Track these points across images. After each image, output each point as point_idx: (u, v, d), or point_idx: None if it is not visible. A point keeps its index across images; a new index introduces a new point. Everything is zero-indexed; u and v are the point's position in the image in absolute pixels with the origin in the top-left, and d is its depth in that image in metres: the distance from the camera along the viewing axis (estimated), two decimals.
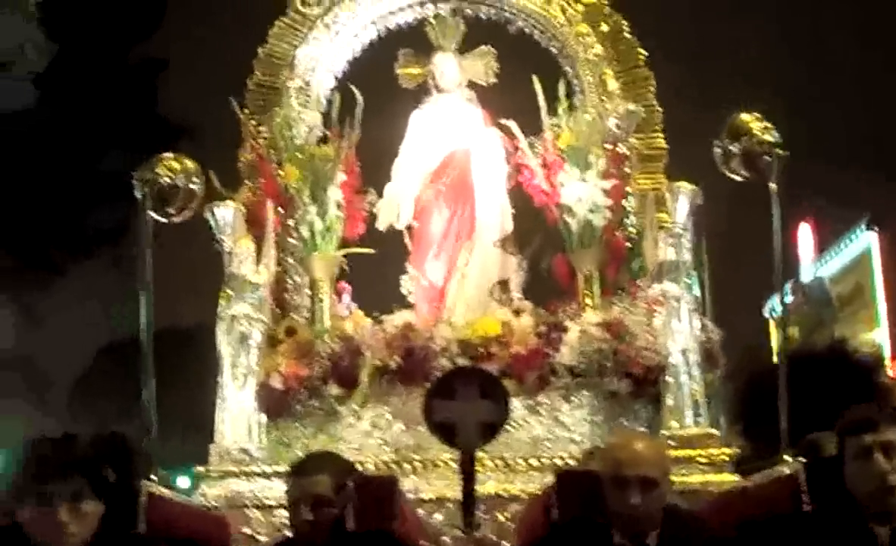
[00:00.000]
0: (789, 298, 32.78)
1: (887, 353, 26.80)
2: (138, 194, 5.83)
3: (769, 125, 5.82)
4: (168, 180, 5.96)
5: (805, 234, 32.70)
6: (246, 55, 8.64)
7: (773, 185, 5.67)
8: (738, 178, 6.12)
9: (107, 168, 17.36)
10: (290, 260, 8.18)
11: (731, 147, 5.90)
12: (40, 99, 17.16)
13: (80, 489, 3.72)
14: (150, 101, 19.09)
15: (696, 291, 7.40)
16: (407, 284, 8.32)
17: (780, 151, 5.69)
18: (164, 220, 6.05)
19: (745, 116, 5.92)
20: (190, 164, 6.08)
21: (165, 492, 5.19)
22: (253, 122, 8.22)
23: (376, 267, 8.58)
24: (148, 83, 19.40)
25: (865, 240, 29.65)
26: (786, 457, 5.16)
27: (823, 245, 32.31)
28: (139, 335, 5.91)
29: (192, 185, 6.05)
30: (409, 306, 8.11)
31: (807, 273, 32.32)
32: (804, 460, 4.72)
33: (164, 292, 6.33)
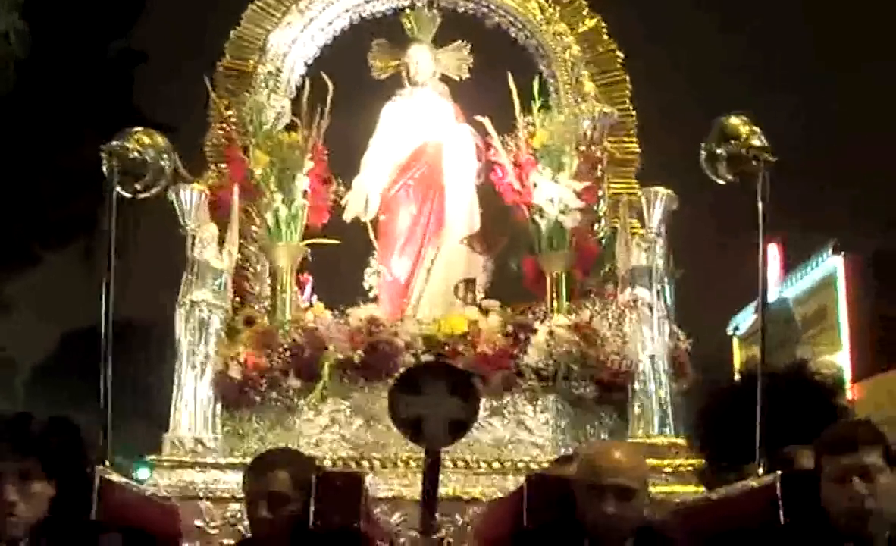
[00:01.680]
0: (754, 317, 33.16)
1: (848, 376, 27.10)
2: (105, 167, 5.60)
3: (757, 130, 5.69)
4: (137, 154, 5.72)
5: (771, 255, 32.99)
6: (219, 48, 8.46)
7: (760, 190, 5.55)
8: (723, 182, 6.01)
9: (83, 158, 17.25)
10: (252, 248, 8.00)
11: (718, 150, 5.76)
12: (18, 86, 16.98)
13: (30, 468, 3.62)
14: (126, 94, 18.95)
15: (668, 298, 7.29)
16: (370, 278, 8.16)
17: (769, 157, 5.57)
18: (130, 195, 5.82)
19: (734, 119, 5.78)
20: (160, 139, 5.84)
21: (119, 479, 5.01)
22: (223, 105, 8.03)
23: (338, 259, 8.43)
24: (125, 75, 19.27)
25: (831, 264, 29.92)
26: (761, 469, 5.05)
27: (790, 266, 32.64)
28: (102, 312, 5.70)
29: (161, 162, 5.82)
30: (370, 300, 7.96)
31: (772, 293, 32.60)
32: (781, 472, 4.60)
33: (131, 280, 6.13)
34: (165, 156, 6.12)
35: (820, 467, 3.97)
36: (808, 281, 31.06)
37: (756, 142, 5.90)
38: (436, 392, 4.50)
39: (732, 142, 5.94)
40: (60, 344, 23.63)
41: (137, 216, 5.99)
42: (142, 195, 6.09)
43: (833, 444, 3.95)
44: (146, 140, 5.97)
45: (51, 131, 17.55)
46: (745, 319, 33.45)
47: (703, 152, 6.17)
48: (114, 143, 5.88)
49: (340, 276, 8.67)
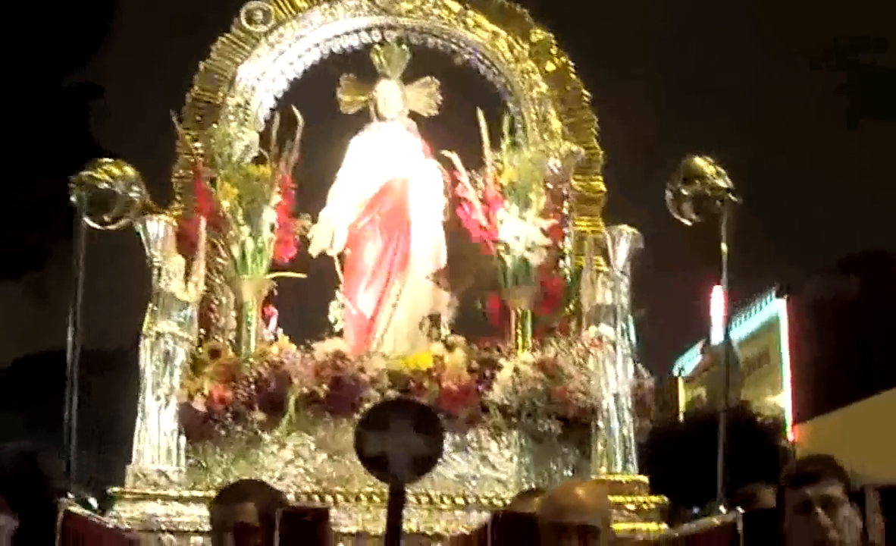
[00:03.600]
0: (699, 359, 33.40)
1: (789, 417, 27.33)
2: (74, 198, 5.58)
3: (721, 170, 5.76)
4: (107, 185, 5.72)
5: (717, 297, 33.35)
6: (183, 81, 8.46)
7: (723, 230, 5.62)
8: (687, 222, 6.07)
9: (36, 191, 17.21)
10: (218, 280, 7.97)
11: (683, 190, 5.83)
12: None
13: None
14: (82, 128, 18.88)
15: (632, 336, 7.32)
16: (335, 312, 8.16)
17: (733, 197, 5.64)
18: (98, 226, 5.82)
19: (698, 160, 5.87)
20: (130, 170, 5.86)
21: (83, 512, 4.99)
22: (189, 137, 8.03)
23: (303, 292, 8.42)
24: (81, 108, 19.20)
25: (774, 307, 30.14)
26: (722, 508, 5.08)
27: (734, 309, 32.99)
28: (66, 349, 5.69)
29: (131, 193, 5.81)
30: (334, 334, 7.95)
31: (717, 335, 32.90)
32: (742, 511, 4.64)
33: (90, 309, 6.11)
34: (135, 187, 6.12)
35: (783, 501, 4.01)
36: (752, 324, 31.32)
37: (721, 183, 5.98)
38: (401, 428, 4.49)
39: (697, 182, 6.01)
40: (9, 374, 23.45)
41: (98, 246, 5.93)
42: (111, 226, 6.09)
43: (797, 477, 3.99)
44: (116, 171, 5.97)
45: (4, 164, 17.49)
46: (690, 361, 33.69)
47: (668, 192, 6.23)
48: (83, 173, 5.88)
49: (305, 310, 8.65)
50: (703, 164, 6.02)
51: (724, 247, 5.84)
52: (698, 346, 33.99)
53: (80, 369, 5.78)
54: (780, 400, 27.58)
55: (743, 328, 32.09)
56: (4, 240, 17.69)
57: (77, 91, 19.21)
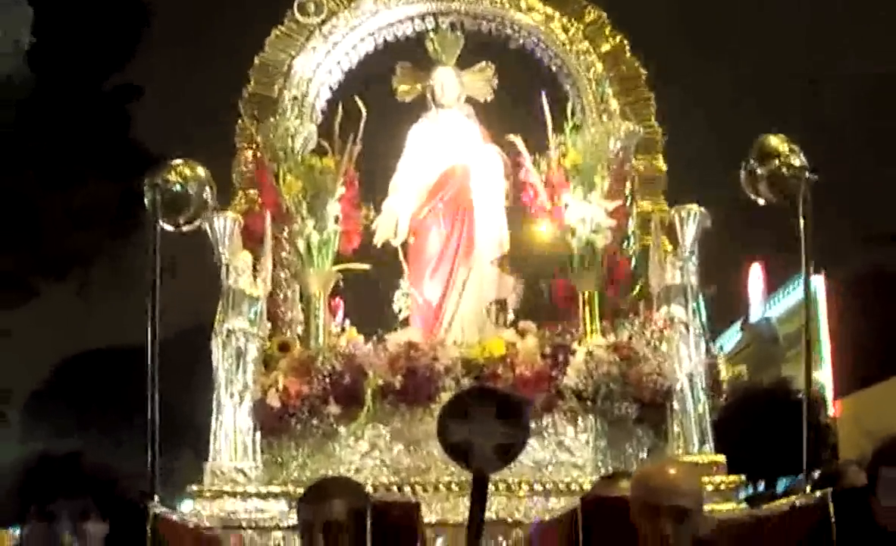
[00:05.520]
0: (739, 336, 33.30)
1: (830, 393, 27.23)
2: (147, 200, 5.54)
3: (797, 148, 5.69)
4: (179, 187, 5.67)
5: (755, 275, 33.21)
6: (230, 76, 8.43)
7: (801, 208, 5.54)
8: (762, 202, 6.00)
9: (81, 194, 17.37)
10: (283, 274, 7.96)
11: (758, 169, 5.75)
12: (18, 123, 17.05)
13: (86, 508, 3.58)
14: (123, 129, 19.03)
15: (703, 316, 7.29)
16: (399, 302, 8.14)
17: (809, 175, 5.57)
18: (172, 228, 5.77)
19: (773, 139, 5.78)
20: (201, 171, 5.78)
21: (170, 514, 4.98)
22: (249, 132, 8.03)
23: (368, 283, 8.41)
24: (122, 111, 19.36)
25: (812, 283, 30.03)
26: (808, 488, 5.02)
27: (772, 286, 32.82)
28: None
29: (203, 194, 5.76)
30: (401, 323, 7.94)
31: (756, 313, 32.76)
32: (831, 490, 4.57)
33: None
34: (207, 187, 6.07)
35: (876, 481, 3.93)
36: (791, 300, 31.24)
37: (796, 161, 5.89)
38: (484, 417, 4.46)
39: (773, 161, 5.93)
40: (57, 374, 23.57)
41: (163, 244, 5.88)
42: (185, 228, 6.04)
43: (893, 454, 3.92)
44: (188, 172, 5.90)
45: (49, 166, 17.63)
46: (730, 338, 33.55)
47: (742, 172, 6.16)
48: (155, 175, 5.83)
49: (371, 300, 8.64)
50: (777, 142, 5.93)
51: (801, 223, 5.76)
52: (737, 324, 33.83)
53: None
54: (821, 375, 27.46)
55: (782, 304, 31.95)
56: (51, 242, 17.82)
57: (118, 93, 19.35)
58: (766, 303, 33.18)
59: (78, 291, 18.63)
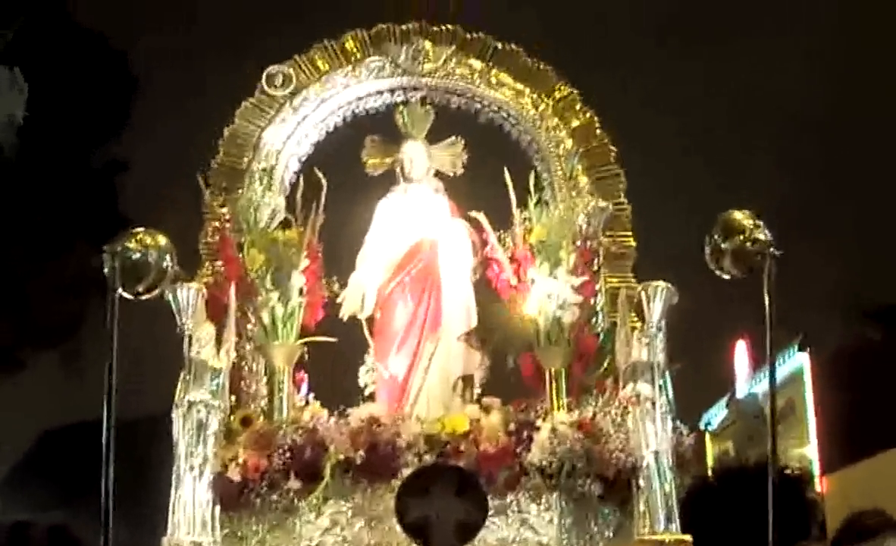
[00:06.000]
0: (725, 412, 33.32)
1: (816, 469, 27.25)
2: (107, 269, 5.49)
3: (761, 223, 5.68)
4: (139, 255, 5.62)
5: (741, 352, 33.26)
6: (206, 150, 8.42)
7: (766, 284, 5.52)
8: (727, 277, 5.98)
9: (69, 264, 17.44)
10: (248, 346, 7.89)
11: (722, 244, 5.74)
12: (5, 192, 17.16)
13: None
14: (111, 199, 19.20)
15: (670, 393, 7.23)
16: (365, 376, 8.08)
17: (775, 250, 5.56)
18: (131, 297, 5.72)
19: (737, 214, 5.78)
20: (162, 239, 5.72)
21: None
22: (216, 202, 7.99)
23: (333, 357, 8.34)
24: (110, 182, 19.55)
25: (798, 360, 30.09)
26: None
27: (758, 362, 32.88)
28: (99, 419, 5.57)
29: (164, 262, 5.72)
30: (366, 398, 7.88)
31: (742, 389, 32.78)
32: None
33: (124, 379, 5.98)
34: (168, 256, 6.03)
35: None
36: (776, 377, 31.29)
37: (761, 236, 5.89)
38: (444, 494, 4.42)
39: (737, 236, 5.93)
40: (43, 444, 23.39)
41: (130, 315, 5.81)
42: (144, 296, 5.99)
43: (858, 533, 3.93)
44: (148, 240, 5.84)
45: (38, 237, 17.68)
46: (717, 415, 33.56)
47: (706, 248, 6.15)
48: (115, 244, 5.78)
49: (336, 374, 8.57)
50: (741, 217, 5.93)
51: (766, 300, 5.74)
52: (724, 401, 33.87)
53: (116, 440, 5.65)
54: (807, 451, 27.47)
55: (766, 382, 32.03)
56: (39, 310, 17.79)
57: (105, 167, 19.56)
58: (752, 379, 33.27)
59: (62, 360, 18.59)
